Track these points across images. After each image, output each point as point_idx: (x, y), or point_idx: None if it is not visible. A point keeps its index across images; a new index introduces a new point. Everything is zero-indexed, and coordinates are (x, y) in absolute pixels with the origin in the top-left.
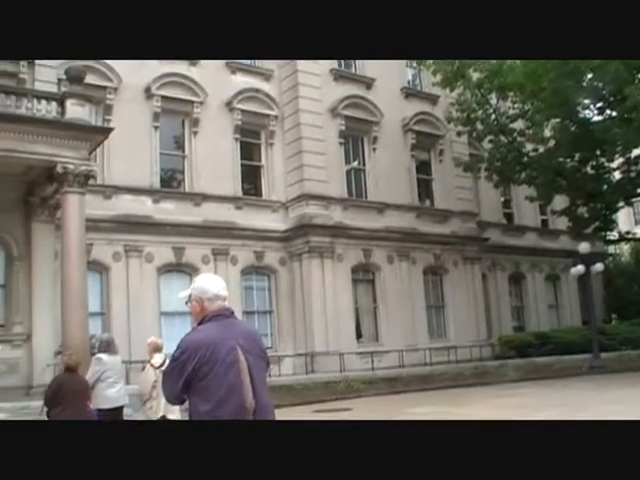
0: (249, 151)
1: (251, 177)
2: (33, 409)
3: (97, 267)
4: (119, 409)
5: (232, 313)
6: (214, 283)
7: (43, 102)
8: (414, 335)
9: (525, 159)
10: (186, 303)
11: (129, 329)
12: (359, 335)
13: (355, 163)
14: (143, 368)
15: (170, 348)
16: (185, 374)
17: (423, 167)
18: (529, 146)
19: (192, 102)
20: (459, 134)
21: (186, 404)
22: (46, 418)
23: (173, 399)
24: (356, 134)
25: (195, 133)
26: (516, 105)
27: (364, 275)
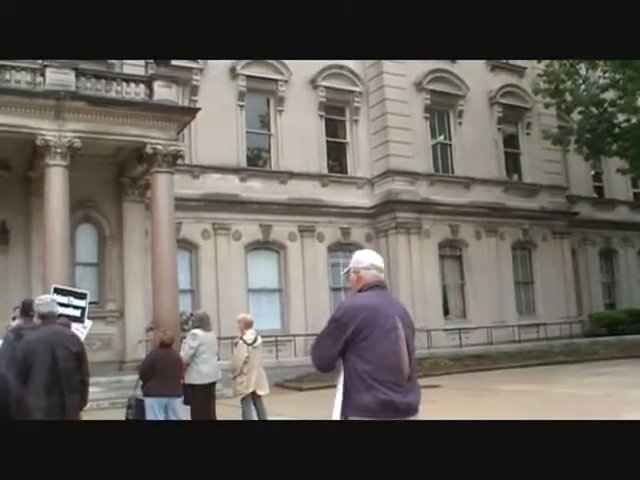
0: (334, 128)
1: (336, 154)
2: (126, 383)
3: (186, 245)
4: (212, 385)
5: (386, 287)
6: (369, 254)
7: (132, 85)
8: (502, 312)
9: (617, 130)
10: (346, 278)
11: (218, 306)
12: (446, 312)
13: (441, 138)
14: (235, 344)
15: (258, 325)
16: (345, 336)
17: (510, 140)
18: (621, 117)
19: (277, 81)
20: (547, 106)
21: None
22: (140, 391)
23: (325, 362)
24: (441, 108)
25: (280, 111)
26: (606, 74)
27: (451, 251)
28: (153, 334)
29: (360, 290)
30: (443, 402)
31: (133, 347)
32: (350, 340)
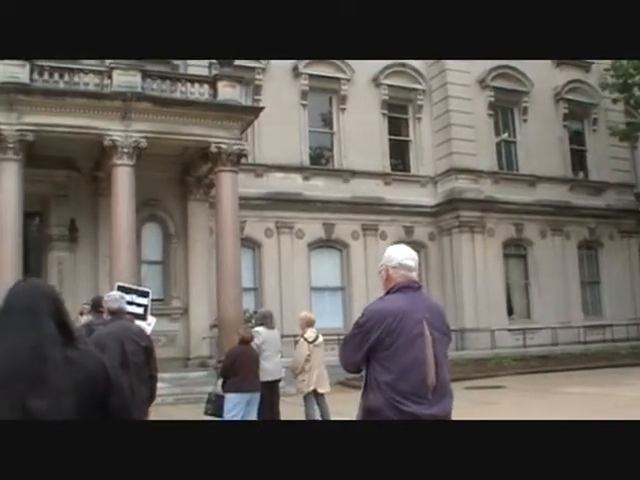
0: (396, 126)
1: (399, 152)
2: (190, 379)
3: (250, 243)
4: (275, 382)
5: (419, 287)
6: (400, 252)
7: (196, 85)
8: (567, 312)
9: None
10: (379, 273)
11: (280, 304)
12: (510, 311)
13: (505, 135)
14: (297, 342)
15: (321, 323)
16: (368, 342)
17: (576, 137)
18: None
19: (339, 79)
20: (614, 101)
21: None
22: (220, 389)
23: (350, 367)
24: (505, 105)
25: (343, 110)
26: None
27: (515, 250)
28: (218, 331)
29: (389, 291)
30: (506, 403)
31: (197, 344)
32: (373, 348)
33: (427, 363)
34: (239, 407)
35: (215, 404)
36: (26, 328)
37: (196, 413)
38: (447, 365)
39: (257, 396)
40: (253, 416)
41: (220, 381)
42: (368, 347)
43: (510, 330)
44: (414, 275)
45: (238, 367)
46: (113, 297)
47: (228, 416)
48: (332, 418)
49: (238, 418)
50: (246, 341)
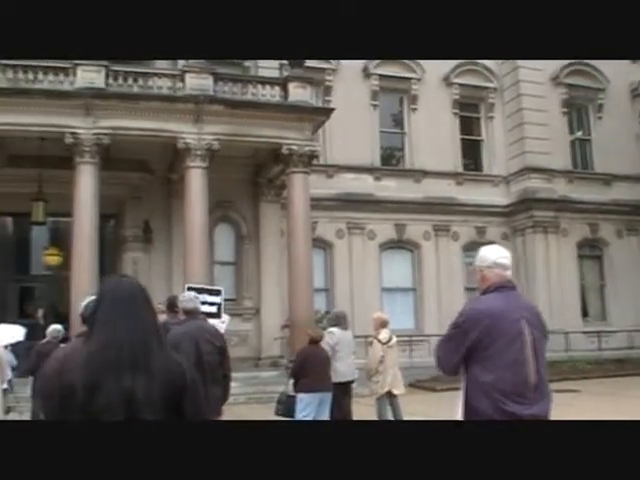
0: (468, 125)
1: (471, 152)
2: (262, 379)
3: (321, 244)
4: (348, 383)
5: (514, 286)
6: (493, 251)
7: (267, 87)
8: None
9: None
10: (473, 274)
11: (352, 305)
12: (585, 314)
13: (579, 133)
14: (370, 343)
15: (392, 324)
16: (467, 343)
17: None
18: None
19: (410, 79)
20: None
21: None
22: (291, 389)
23: (448, 368)
24: (580, 102)
25: (414, 110)
26: None
27: (590, 251)
28: (289, 332)
29: (485, 291)
30: (579, 407)
31: (269, 344)
32: (472, 349)
33: (527, 363)
34: (310, 407)
35: (286, 404)
36: (130, 318)
37: (267, 412)
38: (545, 364)
39: (329, 396)
40: (325, 417)
41: (291, 381)
42: (467, 348)
43: (585, 333)
44: (509, 274)
45: (309, 367)
46: (188, 297)
47: (299, 416)
48: (404, 419)
49: (310, 419)
50: (315, 341)
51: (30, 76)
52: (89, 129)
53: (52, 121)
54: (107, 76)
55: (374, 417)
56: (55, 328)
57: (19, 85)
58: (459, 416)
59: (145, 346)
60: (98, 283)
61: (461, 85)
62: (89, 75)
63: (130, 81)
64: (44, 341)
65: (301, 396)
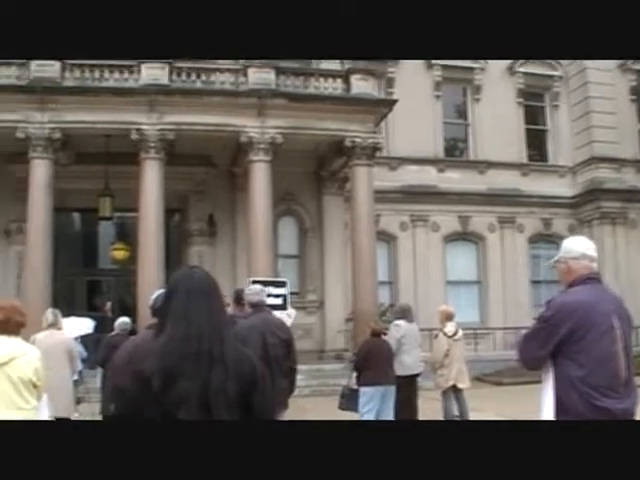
0: (533, 115)
1: (535, 142)
2: (326, 372)
3: (385, 237)
4: (414, 377)
5: (600, 279)
6: (580, 243)
7: (329, 80)
8: None
9: None
10: (553, 267)
11: (416, 298)
12: None
13: None
14: (436, 336)
15: (457, 317)
16: (557, 337)
17: None
18: None
19: (473, 69)
20: None
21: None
22: (354, 381)
23: (534, 362)
24: None
25: (477, 100)
26: None
27: None
28: (353, 325)
29: (571, 284)
30: None
31: (332, 337)
32: (562, 343)
33: (618, 357)
34: (373, 401)
35: (349, 398)
36: (204, 310)
37: (331, 405)
38: (632, 360)
39: (392, 389)
40: (389, 410)
41: (354, 375)
42: (556, 342)
43: None
44: (595, 266)
45: (371, 360)
46: (254, 290)
47: (363, 410)
48: (470, 414)
49: (373, 412)
50: (377, 334)
51: (96, 74)
52: (154, 125)
53: (118, 118)
54: (171, 72)
55: (440, 411)
56: (123, 321)
57: (86, 84)
58: (546, 412)
59: (220, 338)
60: (164, 277)
61: (525, 74)
62: (153, 72)
63: (193, 77)
64: (113, 333)
65: (364, 389)
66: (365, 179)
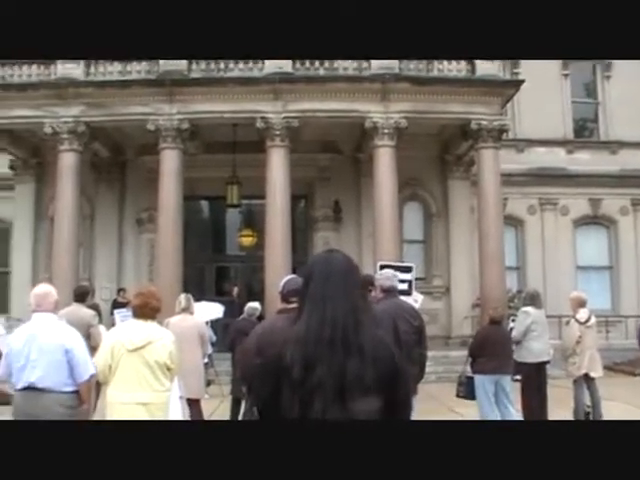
0: None
1: None
2: (452, 358)
3: (512, 221)
4: (543, 364)
5: None
6: None
7: (453, 62)
8: None
9: None
10: None
11: (544, 283)
12: None
13: None
14: (567, 323)
15: (588, 304)
16: None
17: None
18: None
19: None
20: None
21: None
22: (469, 368)
23: None
24: None
25: (607, 77)
26: None
27: None
28: (479, 311)
29: None
30: None
31: (459, 323)
32: None
33: None
34: (489, 389)
35: (466, 386)
36: (343, 297)
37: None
38: None
39: (507, 378)
40: (507, 400)
41: (470, 361)
42: None
43: None
44: None
45: (487, 347)
46: (386, 275)
47: (479, 397)
48: (602, 404)
49: (491, 399)
50: (496, 321)
51: (222, 65)
52: (279, 113)
53: (243, 107)
54: (294, 61)
55: (570, 400)
56: (252, 306)
57: (212, 75)
58: None
59: (357, 325)
60: (290, 262)
61: None
62: (277, 61)
63: (316, 64)
64: (240, 318)
65: (478, 377)
66: (491, 162)
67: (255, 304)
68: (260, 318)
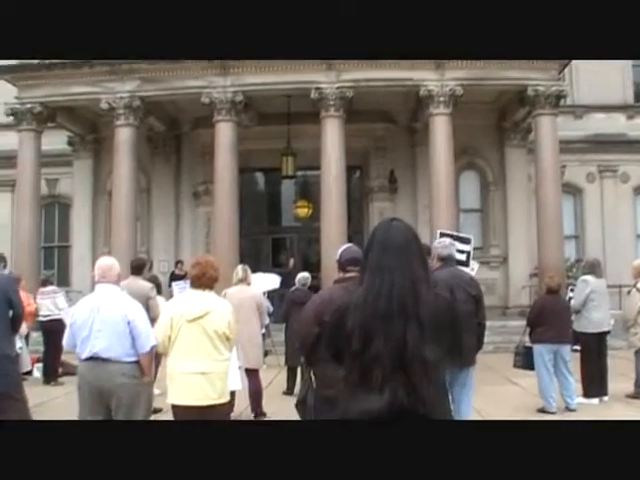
0: None
1: None
2: (509, 328)
3: (570, 189)
4: (603, 334)
5: None
6: None
7: None
8: None
9: None
10: None
11: (604, 252)
12: None
13: None
14: (628, 292)
15: None
16: None
17: None
18: None
19: None
20: None
21: None
22: (527, 338)
23: None
24: None
25: None
26: None
27: None
28: (537, 280)
29: None
30: None
31: (516, 293)
32: None
33: None
34: (547, 359)
35: (523, 356)
36: (402, 267)
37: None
38: None
39: (567, 348)
40: (566, 370)
41: (528, 331)
42: None
43: None
44: None
45: (545, 317)
46: (444, 243)
47: (538, 368)
48: None
49: (549, 370)
50: (553, 290)
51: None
52: (332, 83)
53: (297, 78)
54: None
55: (631, 372)
56: (303, 275)
57: None
58: None
59: (415, 295)
60: (346, 233)
61: None
62: None
63: None
64: (293, 288)
65: (537, 347)
66: (549, 129)
67: (306, 274)
68: (311, 288)
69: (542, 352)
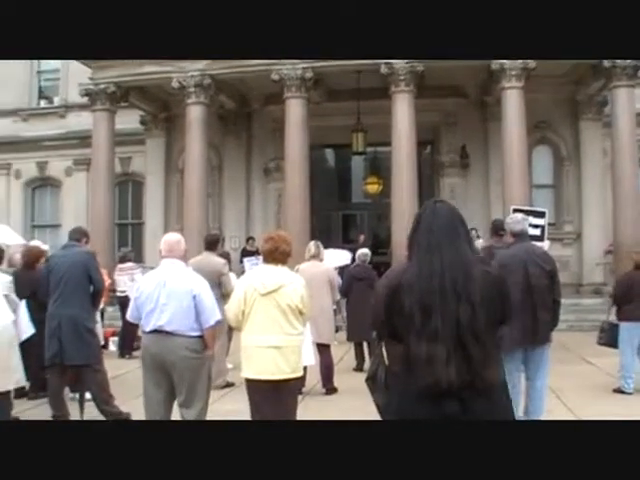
0: None
1: None
2: (583, 306)
3: None
4: None
5: None
6: None
7: None
8: None
9: None
10: None
11: None
12: None
13: None
14: None
15: None
16: None
17: None
18: None
19: None
20: None
21: None
22: (614, 316)
23: None
24: None
25: None
26: None
27: None
28: (612, 257)
29: None
30: None
31: (590, 270)
32: None
33: None
34: (634, 337)
35: (609, 333)
36: (449, 248)
37: (589, 341)
38: None
39: None
40: None
41: (614, 309)
42: None
43: None
44: None
45: (633, 294)
46: (516, 219)
47: (622, 345)
48: None
49: (634, 349)
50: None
51: None
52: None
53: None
54: None
55: None
56: (363, 252)
57: None
58: None
59: (464, 274)
60: (417, 209)
61: None
62: None
63: None
64: (354, 265)
65: (624, 324)
66: (626, 101)
67: (365, 250)
68: (371, 264)
69: (630, 330)
